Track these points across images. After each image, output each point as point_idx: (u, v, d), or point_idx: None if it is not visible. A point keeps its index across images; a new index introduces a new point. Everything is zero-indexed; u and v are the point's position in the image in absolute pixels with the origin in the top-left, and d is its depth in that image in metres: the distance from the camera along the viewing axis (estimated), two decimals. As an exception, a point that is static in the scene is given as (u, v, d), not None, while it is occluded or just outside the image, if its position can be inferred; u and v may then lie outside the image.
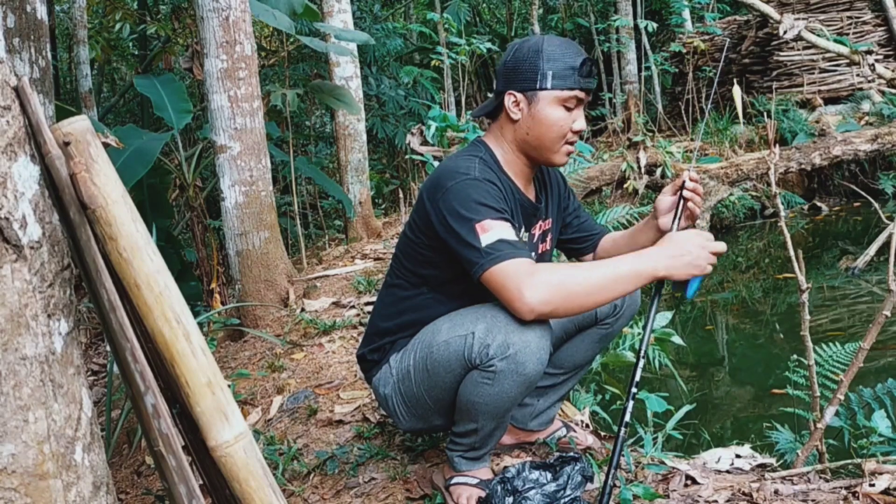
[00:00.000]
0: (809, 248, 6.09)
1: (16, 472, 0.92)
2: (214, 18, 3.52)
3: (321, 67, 7.63)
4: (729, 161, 6.98)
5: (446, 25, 7.53)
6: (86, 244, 0.99)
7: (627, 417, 1.56)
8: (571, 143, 1.66)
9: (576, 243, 1.95)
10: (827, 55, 8.03)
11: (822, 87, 8.18)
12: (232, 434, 1.00)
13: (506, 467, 1.70)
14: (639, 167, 7.00)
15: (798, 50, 8.21)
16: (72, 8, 7.41)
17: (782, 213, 2.15)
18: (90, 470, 1.01)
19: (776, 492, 1.65)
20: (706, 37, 8.95)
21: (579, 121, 1.64)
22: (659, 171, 6.84)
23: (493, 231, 1.50)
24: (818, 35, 7.81)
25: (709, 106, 2.57)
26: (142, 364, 1.00)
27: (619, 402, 2.55)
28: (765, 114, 7.72)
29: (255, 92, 3.66)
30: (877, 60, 7.88)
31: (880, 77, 7.84)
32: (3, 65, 0.95)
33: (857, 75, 8.07)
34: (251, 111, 3.64)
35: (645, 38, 9.47)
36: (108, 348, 4.14)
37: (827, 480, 1.72)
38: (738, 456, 1.93)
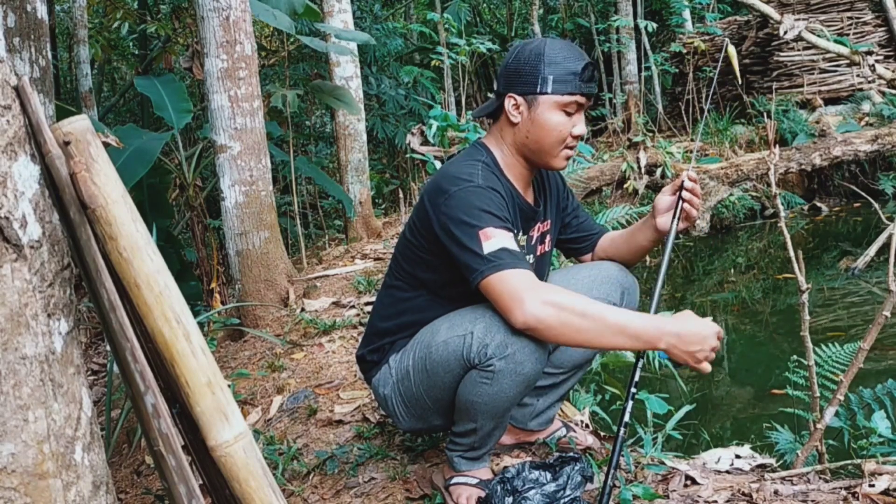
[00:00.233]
0: (809, 249, 6.09)
1: (16, 472, 0.92)
2: (215, 18, 3.52)
3: (321, 67, 7.63)
4: (729, 161, 6.98)
5: (446, 25, 7.53)
6: (86, 244, 0.99)
7: (627, 417, 1.56)
8: (571, 148, 1.66)
9: (575, 243, 1.95)
10: (827, 56, 8.03)
11: (823, 88, 8.18)
12: (232, 434, 1.00)
13: (505, 467, 1.70)
14: (639, 167, 7.00)
15: (798, 50, 8.22)
16: (72, 7, 7.41)
17: (782, 214, 2.15)
18: (90, 469, 1.01)
19: (776, 492, 1.65)
20: (706, 37, 8.95)
21: (579, 125, 1.64)
22: (659, 171, 6.85)
23: (495, 239, 1.50)
24: (818, 35, 7.81)
25: (707, 105, 2.57)
26: (142, 364, 1.00)
27: (618, 403, 2.54)
28: (765, 114, 7.72)
29: (255, 92, 3.66)
30: (877, 61, 7.88)
31: (880, 78, 7.84)
32: (3, 64, 0.95)
33: (858, 76, 8.07)
34: (251, 111, 3.64)
35: (645, 39, 9.47)
36: (108, 348, 4.14)
37: (827, 481, 1.72)
38: (737, 456, 1.93)
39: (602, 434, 2.17)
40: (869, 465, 1.69)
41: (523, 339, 1.50)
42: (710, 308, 5.03)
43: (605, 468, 1.74)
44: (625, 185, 6.96)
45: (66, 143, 0.95)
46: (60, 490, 0.96)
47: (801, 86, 8.21)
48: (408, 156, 7.00)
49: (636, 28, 9.17)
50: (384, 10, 10.94)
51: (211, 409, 0.99)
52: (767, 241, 6.64)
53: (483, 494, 1.67)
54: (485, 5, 13.07)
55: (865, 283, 4.94)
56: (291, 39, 7.05)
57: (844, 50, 7.72)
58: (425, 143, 6.42)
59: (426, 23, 9.10)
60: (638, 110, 8.33)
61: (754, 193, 7.16)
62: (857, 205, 7.27)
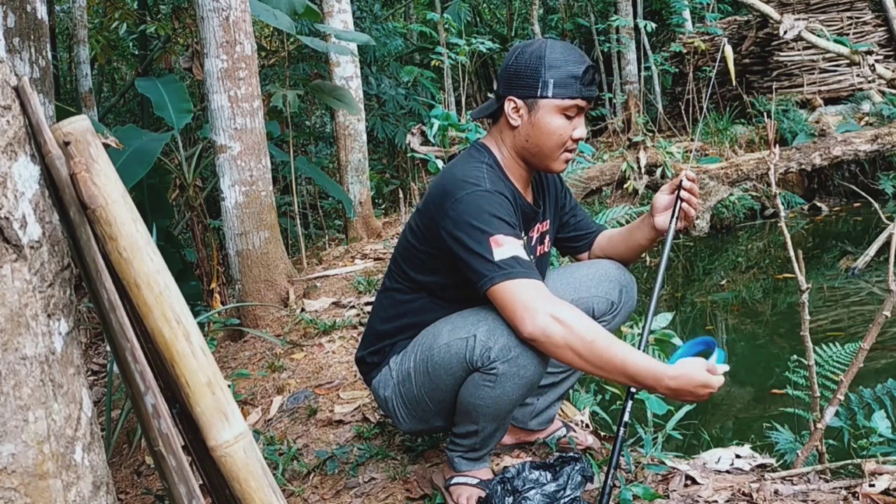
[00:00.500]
0: (809, 249, 6.09)
1: (16, 472, 0.92)
2: (214, 18, 3.52)
3: (321, 67, 7.63)
4: (729, 161, 6.98)
5: (446, 25, 7.53)
6: (86, 244, 0.99)
7: (626, 417, 1.56)
8: (571, 151, 1.66)
9: (572, 242, 1.95)
10: (827, 55, 8.03)
11: (823, 88, 8.18)
12: (232, 434, 1.00)
13: (506, 467, 1.70)
14: (639, 167, 7.00)
15: (798, 50, 8.21)
16: (72, 7, 7.41)
17: (782, 214, 2.15)
18: (90, 470, 1.01)
19: (776, 492, 1.65)
20: (706, 37, 8.95)
21: (579, 129, 1.63)
22: (659, 171, 6.85)
23: (506, 246, 1.49)
24: (818, 35, 7.81)
25: (706, 104, 2.57)
26: (142, 364, 1.00)
27: (618, 402, 2.54)
28: (765, 114, 7.72)
29: (255, 92, 3.66)
30: (877, 61, 7.88)
31: (880, 77, 7.84)
32: (3, 65, 0.95)
33: (858, 76, 8.07)
34: (251, 111, 3.64)
35: (645, 39, 9.47)
36: (108, 348, 4.14)
37: (827, 481, 1.72)
38: (738, 456, 1.93)
39: (602, 434, 2.17)
40: (869, 465, 1.69)
41: (527, 342, 1.50)
42: (711, 308, 5.03)
43: (605, 468, 1.74)
44: (625, 185, 6.97)
45: (66, 144, 0.95)
46: (60, 490, 0.96)
47: (801, 86, 8.21)
48: (408, 156, 7.00)
49: (636, 28, 9.17)
50: (384, 11, 10.94)
51: (211, 409, 0.99)
52: (767, 241, 6.65)
53: (483, 494, 1.67)
54: (485, 5, 13.07)
55: (865, 283, 4.94)
56: (291, 39, 7.05)
57: (844, 50, 7.72)
58: (425, 142, 6.42)
59: (426, 23, 9.09)
60: (638, 110, 8.33)
61: (754, 193, 7.17)
62: (857, 205, 7.27)
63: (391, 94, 8.84)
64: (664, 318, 2.84)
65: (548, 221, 1.85)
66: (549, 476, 1.66)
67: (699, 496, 1.68)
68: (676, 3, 9.36)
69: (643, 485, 1.75)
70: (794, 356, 2.42)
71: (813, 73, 8.22)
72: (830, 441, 2.16)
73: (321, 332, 3.24)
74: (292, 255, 5.63)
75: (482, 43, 7.04)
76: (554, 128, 1.61)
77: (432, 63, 8.18)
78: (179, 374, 0.99)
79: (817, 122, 7.64)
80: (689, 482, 1.77)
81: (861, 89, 8.10)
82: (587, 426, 2.20)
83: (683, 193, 1.73)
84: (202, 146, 4.88)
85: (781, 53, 8.32)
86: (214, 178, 4.30)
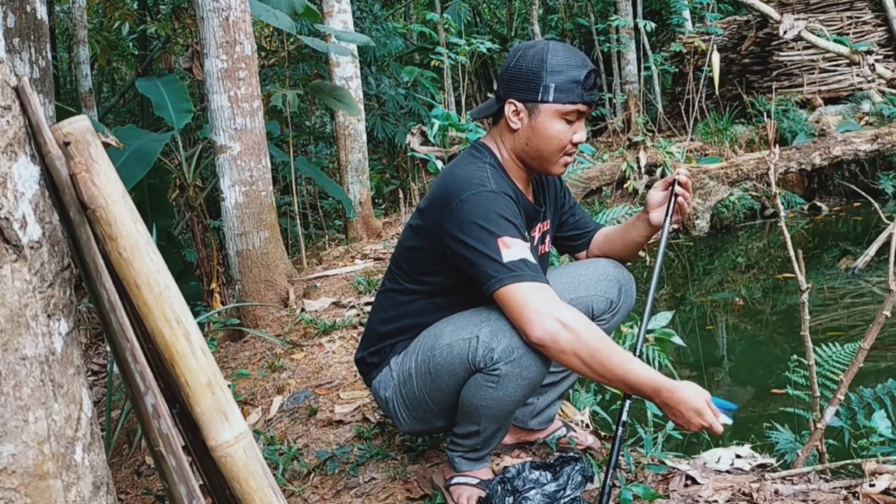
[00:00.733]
0: (809, 249, 6.09)
1: (16, 472, 0.92)
2: (214, 18, 3.52)
3: (321, 67, 7.63)
4: (729, 161, 6.98)
5: (446, 25, 7.53)
6: (86, 244, 0.99)
7: (625, 417, 1.57)
8: (570, 154, 1.66)
9: (571, 240, 1.95)
10: (827, 55, 8.03)
11: (822, 88, 8.18)
12: (232, 434, 1.00)
13: (506, 467, 1.70)
14: (639, 167, 7.00)
15: (798, 50, 8.21)
16: (72, 8, 7.41)
17: (782, 214, 2.15)
18: (90, 470, 1.01)
19: (776, 492, 1.65)
20: (706, 37, 8.96)
21: (580, 133, 1.63)
22: (659, 171, 6.85)
23: (515, 248, 1.49)
24: (818, 35, 7.81)
25: (696, 100, 2.57)
26: (142, 364, 1.00)
27: (618, 402, 2.54)
28: (765, 114, 7.72)
29: (255, 92, 3.66)
30: (877, 60, 7.88)
31: (880, 77, 7.84)
32: (3, 65, 0.95)
33: (857, 75, 8.07)
34: (251, 111, 3.64)
35: (645, 39, 9.47)
36: (108, 348, 4.15)
37: (827, 480, 1.72)
38: (738, 456, 1.93)
39: (602, 434, 2.17)
40: (869, 465, 1.69)
41: (532, 346, 1.50)
42: (711, 308, 5.04)
43: (605, 468, 1.74)
44: (625, 185, 6.97)
45: (66, 144, 0.95)
46: (61, 490, 0.96)
47: (801, 85, 8.21)
48: (408, 155, 7.00)
49: (636, 28, 9.17)
50: (384, 11, 10.94)
51: (211, 409, 0.99)
52: (767, 241, 6.64)
53: (483, 494, 1.67)
54: (485, 5, 13.07)
55: (865, 282, 4.94)
56: (291, 39, 7.06)
57: (844, 49, 7.72)
58: (425, 142, 6.42)
59: (426, 23, 9.10)
60: (638, 110, 8.33)
61: (754, 193, 7.16)
62: (857, 204, 7.27)
63: (391, 94, 8.84)
64: (664, 318, 2.84)
65: (548, 221, 1.85)
66: (549, 476, 1.66)
67: (699, 496, 1.68)
68: (676, 3, 9.36)
69: (643, 485, 1.75)
70: (794, 356, 2.42)
71: (813, 73, 8.22)
72: (830, 441, 2.15)
73: (321, 332, 3.24)
74: (292, 255, 5.64)
75: (482, 43, 7.04)
76: (554, 132, 1.60)
77: (432, 63, 8.18)
78: (179, 374, 0.99)
79: (817, 121, 7.64)
80: (689, 482, 1.77)
81: (861, 89, 8.09)
82: (587, 426, 2.20)
83: (677, 189, 1.73)
84: (202, 146, 4.88)
85: (781, 53, 8.32)
86: (214, 178, 4.30)
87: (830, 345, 2.58)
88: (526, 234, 1.61)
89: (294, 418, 2.49)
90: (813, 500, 1.61)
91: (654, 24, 9.00)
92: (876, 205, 2.46)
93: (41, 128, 0.97)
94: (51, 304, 0.97)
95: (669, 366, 2.86)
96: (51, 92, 1.99)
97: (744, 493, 1.66)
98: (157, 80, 4.98)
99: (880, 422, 2.03)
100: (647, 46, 9.55)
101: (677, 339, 2.81)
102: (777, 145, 7.20)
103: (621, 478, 1.79)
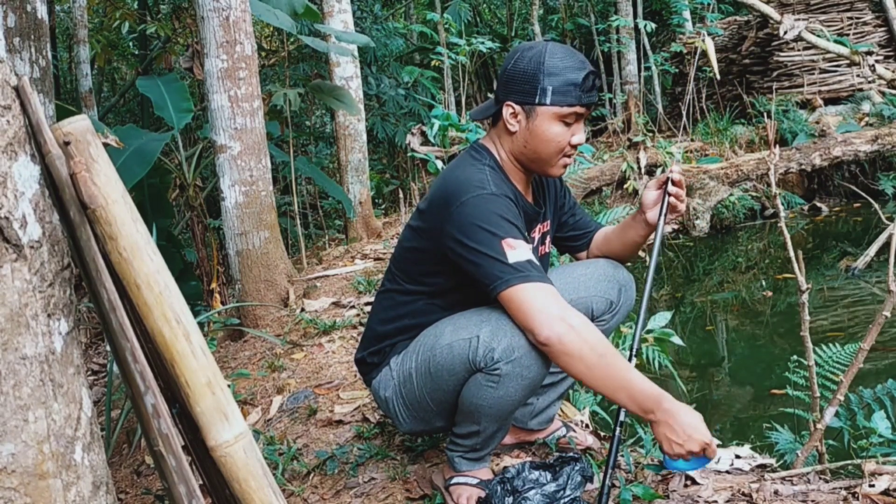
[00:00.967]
0: (809, 249, 6.09)
1: (16, 472, 0.92)
2: (215, 18, 3.52)
3: (321, 67, 7.63)
4: (729, 161, 6.98)
5: (446, 25, 7.54)
6: (86, 244, 0.99)
7: (623, 417, 1.57)
8: (569, 156, 1.65)
9: (572, 241, 1.95)
10: (827, 56, 8.03)
11: (823, 88, 8.18)
12: (232, 434, 1.00)
13: (506, 467, 1.70)
14: (639, 167, 7.01)
15: (798, 50, 8.22)
16: (72, 7, 7.41)
17: (782, 214, 2.15)
18: (90, 469, 1.01)
19: (776, 492, 1.65)
20: (705, 36, 8.95)
21: (578, 135, 1.62)
22: (659, 171, 6.85)
23: (519, 250, 1.49)
24: (818, 36, 7.81)
25: (697, 105, 2.58)
26: (142, 364, 1.00)
27: (618, 403, 2.54)
28: (765, 114, 7.72)
29: (255, 92, 3.66)
30: (877, 61, 7.88)
31: (880, 78, 7.84)
32: (3, 64, 0.95)
33: (858, 76, 8.07)
34: (251, 111, 3.64)
35: (645, 39, 9.47)
36: (108, 348, 4.14)
37: (827, 481, 1.72)
38: (737, 456, 1.93)
39: (602, 434, 2.17)
40: (869, 465, 1.69)
41: (529, 343, 1.50)
42: (711, 308, 5.04)
43: (604, 468, 1.74)
44: (625, 185, 6.97)
45: (66, 144, 0.95)
46: (60, 490, 0.96)
47: (801, 86, 8.21)
48: (408, 156, 7.00)
49: (636, 28, 9.17)
50: (384, 11, 10.94)
51: (211, 409, 0.99)
52: (767, 242, 6.64)
53: (483, 494, 1.67)
54: (485, 5, 13.07)
55: (865, 283, 4.94)
56: (291, 39, 7.06)
57: (844, 50, 7.72)
58: (425, 142, 6.42)
59: (426, 23, 9.10)
60: (638, 110, 8.33)
61: (754, 193, 7.16)
62: (857, 205, 7.27)
63: (391, 94, 8.84)
64: (664, 318, 2.84)
65: (548, 222, 1.85)
66: (548, 476, 1.66)
67: (699, 496, 1.68)
68: (676, 3, 9.36)
69: (643, 485, 1.75)
70: (794, 356, 2.42)
71: (813, 74, 8.22)
72: (830, 441, 2.15)
73: (321, 332, 3.24)
74: (292, 255, 5.64)
75: (482, 43, 7.04)
76: (552, 135, 1.60)
77: (432, 63, 8.18)
78: (179, 374, 0.99)
79: (817, 122, 7.64)
80: (688, 482, 1.77)
81: (861, 89, 8.09)
82: (587, 426, 2.20)
83: (671, 189, 1.73)
84: (202, 146, 4.88)
85: (781, 54, 8.32)
86: (214, 178, 4.30)
87: (830, 345, 2.58)
88: (527, 235, 1.61)
89: (294, 418, 2.49)
90: (813, 501, 1.61)
91: (654, 25, 9.00)
92: (876, 205, 2.45)
93: (41, 127, 0.97)
94: (51, 304, 0.97)
95: (669, 366, 2.86)
96: (51, 91, 1.99)
97: (743, 494, 1.66)
98: (157, 79, 4.98)
99: (880, 422, 2.03)
100: (648, 46, 9.55)
101: (677, 340, 2.81)
102: (777, 146, 7.20)
103: (621, 478, 1.79)
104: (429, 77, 8.70)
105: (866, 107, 7.87)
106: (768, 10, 7.90)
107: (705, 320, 4.83)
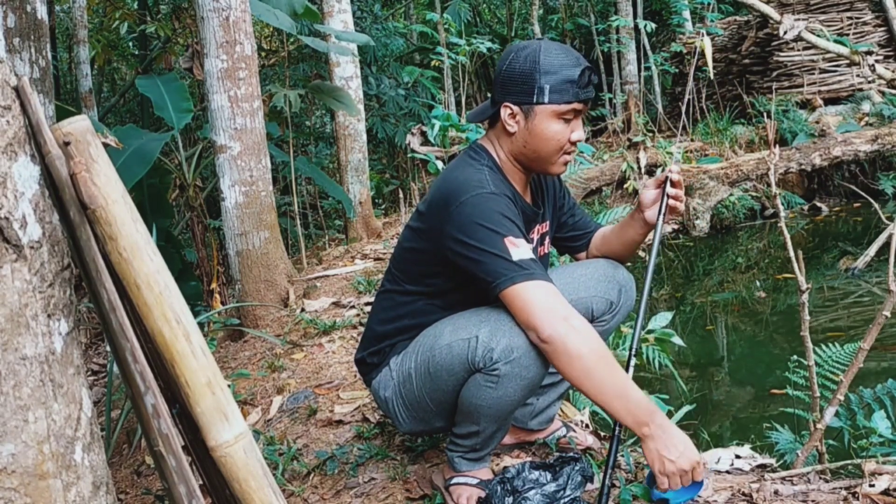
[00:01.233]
0: (809, 249, 6.09)
1: (16, 472, 0.92)
2: (215, 18, 3.52)
3: (321, 67, 7.64)
4: (729, 161, 6.98)
5: (446, 25, 7.54)
6: (86, 244, 0.99)
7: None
8: (569, 153, 1.65)
9: (571, 241, 1.95)
10: (827, 56, 8.03)
11: (823, 88, 8.18)
12: (232, 434, 1.00)
13: (506, 467, 1.70)
14: (639, 167, 7.01)
15: (798, 50, 8.22)
16: (72, 8, 7.41)
17: (782, 214, 2.16)
18: (90, 470, 1.01)
19: (776, 492, 1.65)
20: (706, 36, 8.95)
21: (577, 131, 1.62)
22: (659, 171, 6.85)
23: (522, 248, 1.49)
24: (818, 35, 7.81)
25: (697, 105, 2.58)
26: (142, 364, 1.00)
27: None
28: (765, 114, 7.72)
29: (255, 92, 3.66)
30: (877, 61, 7.88)
31: (880, 78, 7.84)
32: (3, 65, 0.95)
33: (858, 76, 8.07)
34: (251, 111, 3.64)
35: (645, 39, 9.47)
36: (108, 348, 4.15)
37: (827, 481, 1.72)
38: (737, 456, 1.93)
39: (602, 434, 2.17)
40: (869, 465, 1.69)
41: (528, 343, 1.50)
42: (711, 308, 5.04)
43: (604, 468, 1.74)
44: (625, 185, 6.97)
45: (66, 144, 0.95)
46: (60, 490, 0.96)
47: (801, 86, 8.21)
48: (408, 156, 7.00)
49: (636, 28, 9.17)
50: (384, 11, 10.94)
51: (211, 409, 0.99)
52: (767, 241, 6.64)
53: (483, 494, 1.67)
54: (485, 5, 13.08)
55: (865, 283, 4.94)
56: (291, 39, 7.05)
57: (844, 50, 7.72)
58: (425, 143, 6.42)
59: (426, 23, 9.10)
60: (638, 110, 8.34)
61: (754, 193, 7.17)
62: (857, 205, 7.27)
63: (391, 94, 8.84)
64: (664, 318, 2.84)
65: (547, 222, 1.85)
66: (549, 476, 1.66)
67: (699, 496, 1.68)
68: (676, 3, 9.36)
69: (643, 485, 1.75)
70: (794, 356, 2.42)
71: (813, 74, 8.22)
72: (830, 441, 2.15)
73: (321, 332, 3.24)
74: (292, 255, 5.64)
75: (482, 43, 7.04)
76: (551, 133, 1.59)
77: (432, 63, 8.18)
78: (179, 374, 0.99)
79: (817, 122, 7.64)
80: (688, 482, 1.77)
81: (861, 89, 8.10)
82: (587, 426, 2.20)
83: (669, 189, 1.73)
84: (202, 146, 4.88)
85: (781, 54, 8.32)
86: (214, 178, 4.30)
87: (830, 345, 2.58)
88: (526, 235, 1.61)
89: (294, 418, 2.49)
90: (813, 501, 1.61)
91: (654, 25, 9.00)
92: (876, 205, 2.46)
93: (41, 127, 0.97)
94: (51, 304, 0.97)
95: (669, 365, 2.86)
96: (51, 92, 1.99)
97: (743, 494, 1.66)
98: (157, 79, 4.98)
99: (880, 422, 2.03)
100: (648, 46, 9.55)
101: (677, 340, 2.81)
102: (777, 146, 7.20)
103: (621, 478, 1.79)
104: (429, 77, 8.70)
105: (866, 107, 7.87)
106: (768, 10, 7.90)
107: (705, 320, 4.83)
